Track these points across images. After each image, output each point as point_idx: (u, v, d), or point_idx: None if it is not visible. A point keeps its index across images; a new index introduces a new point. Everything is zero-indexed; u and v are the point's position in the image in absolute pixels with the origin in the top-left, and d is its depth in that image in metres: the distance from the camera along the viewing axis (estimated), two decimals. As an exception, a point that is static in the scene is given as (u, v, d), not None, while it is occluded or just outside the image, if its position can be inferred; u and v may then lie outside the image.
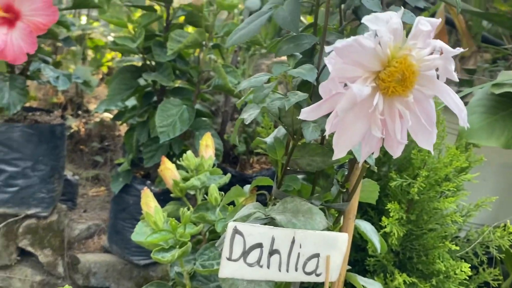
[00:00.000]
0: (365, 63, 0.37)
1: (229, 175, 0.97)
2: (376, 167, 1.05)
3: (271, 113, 0.57)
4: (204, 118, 1.22)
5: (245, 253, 0.55)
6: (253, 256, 0.55)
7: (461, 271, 0.90)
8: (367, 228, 0.74)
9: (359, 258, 1.05)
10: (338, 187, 0.68)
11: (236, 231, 0.54)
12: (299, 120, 0.60)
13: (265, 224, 0.61)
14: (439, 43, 0.38)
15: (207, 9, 1.01)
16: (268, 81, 0.60)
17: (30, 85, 1.31)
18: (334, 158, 0.42)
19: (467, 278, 0.91)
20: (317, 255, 0.57)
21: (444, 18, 1.53)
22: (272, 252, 0.56)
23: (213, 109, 1.80)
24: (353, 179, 0.67)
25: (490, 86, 1.02)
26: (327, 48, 0.36)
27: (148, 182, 1.21)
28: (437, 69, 0.40)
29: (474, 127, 1.05)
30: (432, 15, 1.68)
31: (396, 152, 0.43)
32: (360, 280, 0.66)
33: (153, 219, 0.77)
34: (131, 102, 1.29)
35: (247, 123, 0.60)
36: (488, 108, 1.05)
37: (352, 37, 0.35)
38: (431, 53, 0.39)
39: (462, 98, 1.35)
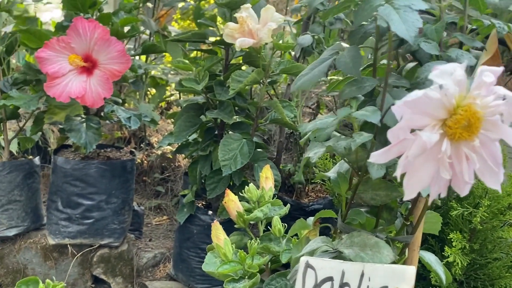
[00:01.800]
0: (432, 112, 0.41)
1: (288, 205, 1.01)
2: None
3: (337, 152, 0.61)
4: (260, 150, 1.28)
5: (316, 286, 0.58)
6: (324, 289, 0.58)
7: (531, 302, 0.88)
8: (431, 259, 0.76)
9: (421, 287, 1.04)
10: (402, 220, 0.70)
11: (308, 265, 0.58)
12: (363, 157, 0.64)
13: (333, 257, 0.64)
14: (502, 90, 0.41)
15: (265, 50, 1.07)
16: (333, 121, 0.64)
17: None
18: (406, 199, 0.45)
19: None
20: (385, 288, 0.59)
21: (497, 41, 1.52)
22: (343, 285, 0.59)
23: (265, 138, 1.86)
24: (417, 212, 0.69)
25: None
26: (397, 102, 0.39)
27: (210, 212, 1.27)
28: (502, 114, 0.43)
29: (537, 153, 1.03)
30: (486, 37, 1.67)
31: (463, 191, 0.46)
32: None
33: (223, 251, 0.82)
34: (192, 136, 1.37)
35: (313, 161, 0.65)
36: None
37: (421, 91, 0.39)
38: (495, 99, 0.42)
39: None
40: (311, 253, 0.69)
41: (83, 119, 1.17)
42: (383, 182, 0.66)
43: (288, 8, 2.20)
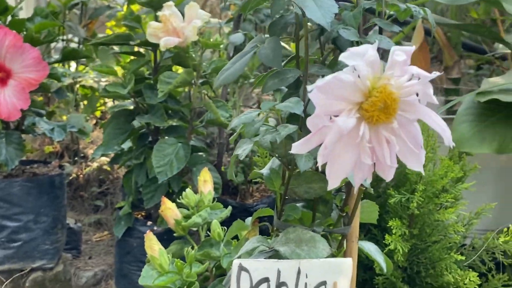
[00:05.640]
0: (347, 96, 0.39)
1: (230, 208, 0.97)
2: (373, 187, 1.06)
3: (264, 147, 0.59)
4: (200, 153, 1.24)
5: (252, 289, 0.55)
6: (261, 291, 0.55)
7: (470, 280, 0.90)
8: (371, 249, 0.75)
9: (368, 277, 1.04)
10: (337, 211, 0.69)
11: (241, 268, 0.55)
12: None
13: (270, 256, 0.62)
14: (416, 70, 0.40)
15: (193, 49, 1.04)
16: (258, 115, 0.62)
17: (26, 137, 1.33)
18: (329, 188, 0.43)
19: (477, 287, 0.91)
20: (324, 283, 0.57)
21: (423, 31, 1.57)
22: (279, 285, 0.56)
23: (208, 141, 1.82)
24: (352, 202, 0.68)
25: (475, 95, 1.05)
26: (308, 87, 0.37)
27: (150, 222, 1.21)
28: (417, 94, 0.42)
29: (465, 136, 1.07)
30: (413, 28, 1.73)
31: (388, 176, 0.44)
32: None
33: (158, 262, 0.78)
34: (127, 144, 1.31)
35: (241, 159, 0.62)
36: (476, 116, 1.07)
37: (331, 75, 0.37)
38: (410, 80, 0.41)
39: (451, 107, 1.36)
40: (248, 255, 0.66)
41: (2, 134, 1.08)
42: (316, 174, 0.65)
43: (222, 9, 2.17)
